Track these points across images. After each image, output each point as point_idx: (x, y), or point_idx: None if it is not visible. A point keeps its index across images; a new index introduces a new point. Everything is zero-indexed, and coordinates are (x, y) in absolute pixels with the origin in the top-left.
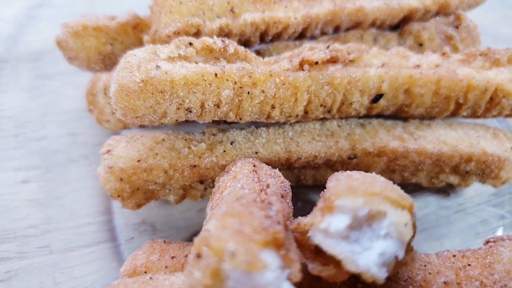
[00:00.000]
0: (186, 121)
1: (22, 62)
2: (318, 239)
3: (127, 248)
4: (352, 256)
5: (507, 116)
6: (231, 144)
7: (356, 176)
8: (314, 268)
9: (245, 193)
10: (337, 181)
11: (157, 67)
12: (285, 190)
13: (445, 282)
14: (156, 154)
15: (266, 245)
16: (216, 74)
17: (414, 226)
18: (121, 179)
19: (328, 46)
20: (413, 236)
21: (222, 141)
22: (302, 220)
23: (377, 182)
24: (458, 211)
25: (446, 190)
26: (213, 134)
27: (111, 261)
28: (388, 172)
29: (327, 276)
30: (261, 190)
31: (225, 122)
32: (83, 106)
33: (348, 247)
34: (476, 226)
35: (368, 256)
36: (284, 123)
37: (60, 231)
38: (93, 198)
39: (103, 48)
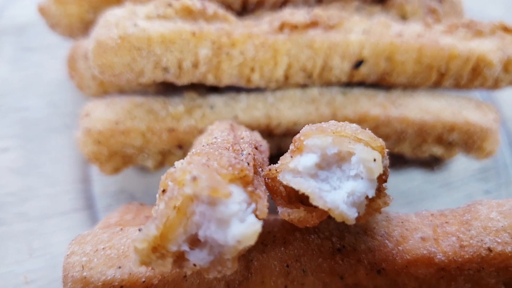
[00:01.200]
0: (168, 88)
1: (6, 35)
2: (287, 178)
3: (105, 215)
4: (320, 193)
5: (490, 87)
6: (211, 108)
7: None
8: (284, 211)
9: (218, 141)
10: (308, 127)
11: (135, 25)
12: (261, 145)
13: (422, 238)
14: (135, 116)
15: (233, 180)
16: (194, 33)
17: (386, 169)
18: (98, 142)
19: (309, 12)
20: (385, 179)
21: (201, 106)
22: (273, 166)
23: (348, 126)
24: (442, 185)
25: (431, 164)
26: (193, 99)
27: (88, 228)
28: None
29: (297, 219)
30: (235, 143)
31: (206, 89)
32: (66, 78)
33: (317, 184)
34: (461, 200)
35: (336, 195)
36: (265, 90)
37: (38, 199)
38: (72, 167)
39: (85, 15)
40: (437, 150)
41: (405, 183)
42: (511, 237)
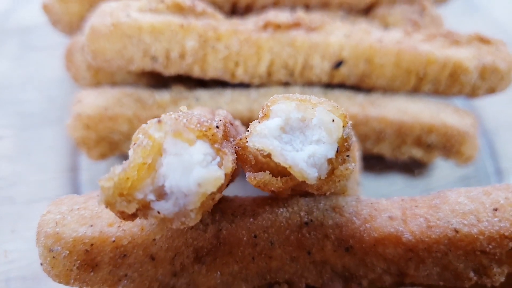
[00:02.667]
0: (158, 83)
1: (12, 35)
2: (252, 141)
3: None
4: (282, 151)
5: (469, 95)
6: (196, 100)
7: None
8: (250, 175)
9: (193, 112)
10: (276, 95)
11: (128, 15)
12: (237, 125)
13: (390, 217)
14: (123, 104)
15: (200, 137)
16: (182, 25)
17: (348, 137)
18: (87, 127)
19: (292, 15)
20: (347, 147)
21: (188, 98)
22: (244, 134)
23: (313, 96)
24: (423, 190)
25: (412, 169)
26: (180, 92)
27: None
28: None
29: (262, 182)
30: (212, 118)
31: (194, 84)
32: (65, 76)
33: (279, 144)
34: None
35: (297, 154)
36: (250, 87)
37: (26, 184)
38: (63, 156)
39: (85, 14)
40: (417, 152)
41: (386, 187)
42: (478, 220)
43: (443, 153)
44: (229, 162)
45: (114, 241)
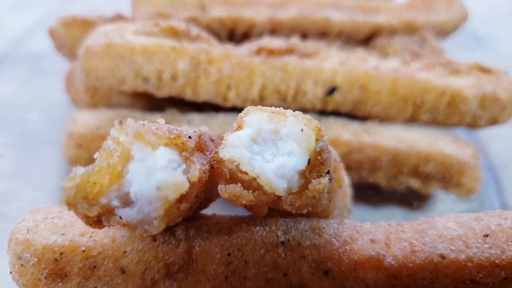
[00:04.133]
0: (153, 107)
1: (23, 61)
2: (223, 151)
3: None
4: (250, 160)
5: (470, 125)
6: (188, 123)
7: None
8: (221, 187)
9: (171, 126)
10: (250, 106)
11: (122, 36)
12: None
13: (371, 240)
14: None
15: (168, 144)
16: (174, 48)
17: (322, 151)
18: (80, 145)
19: (286, 41)
20: (321, 161)
21: (180, 121)
22: (218, 147)
23: (289, 110)
24: None
25: (411, 202)
26: (173, 115)
27: None
28: (344, 168)
29: (233, 194)
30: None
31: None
32: (68, 100)
33: (249, 154)
34: None
35: (266, 165)
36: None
37: (20, 202)
38: (59, 175)
39: None
40: (414, 183)
41: (383, 219)
42: (466, 246)
43: (442, 184)
44: (196, 170)
45: (84, 251)
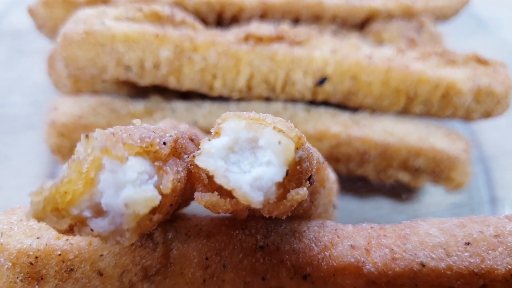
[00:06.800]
0: (138, 93)
1: (2, 39)
2: (200, 160)
3: None
4: (225, 172)
5: (463, 118)
6: (172, 112)
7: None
8: (198, 195)
9: (148, 126)
10: (229, 112)
11: (102, 23)
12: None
13: (352, 246)
14: (98, 113)
15: (140, 153)
16: (157, 35)
17: (302, 160)
18: (62, 135)
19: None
20: (300, 170)
21: (164, 109)
22: (196, 152)
23: (270, 116)
24: (411, 216)
25: (400, 194)
26: (157, 103)
27: None
28: (332, 160)
29: (209, 203)
30: (166, 130)
31: (175, 96)
32: (50, 82)
33: (224, 165)
34: None
35: (242, 176)
36: (230, 101)
37: (4, 189)
38: (42, 162)
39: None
40: (403, 176)
41: (371, 210)
42: (447, 254)
43: (432, 178)
44: (169, 182)
45: (60, 255)
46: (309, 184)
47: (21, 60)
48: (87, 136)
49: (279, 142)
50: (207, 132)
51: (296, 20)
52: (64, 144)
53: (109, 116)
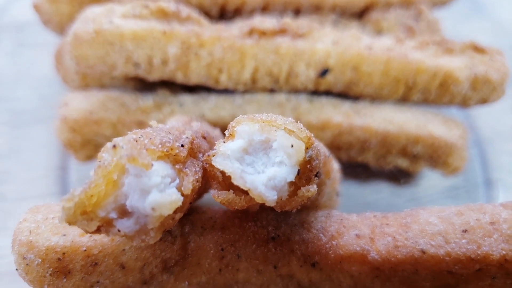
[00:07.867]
0: (145, 87)
1: (7, 31)
2: (217, 161)
3: None
4: (241, 173)
5: (459, 104)
6: (180, 106)
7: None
8: (214, 193)
9: (165, 127)
10: (242, 115)
11: (110, 21)
12: (213, 137)
13: (357, 235)
14: (108, 108)
15: (162, 158)
16: (164, 32)
17: (312, 159)
18: (73, 130)
19: (279, 21)
20: (310, 168)
21: (171, 103)
22: (211, 151)
23: (280, 117)
24: (410, 199)
25: (398, 178)
26: (165, 97)
27: None
28: (334, 148)
29: (226, 201)
30: (181, 130)
31: (181, 89)
32: (57, 75)
33: (240, 167)
34: None
35: (257, 177)
36: (235, 93)
37: (16, 182)
38: (53, 155)
39: (76, 15)
40: (402, 162)
41: (371, 194)
42: (445, 241)
43: (430, 163)
44: (189, 183)
45: (85, 250)
46: (317, 180)
47: (26, 53)
48: (114, 146)
49: (292, 146)
50: (214, 125)
51: (297, 11)
52: (76, 139)
53: (119, 111)
